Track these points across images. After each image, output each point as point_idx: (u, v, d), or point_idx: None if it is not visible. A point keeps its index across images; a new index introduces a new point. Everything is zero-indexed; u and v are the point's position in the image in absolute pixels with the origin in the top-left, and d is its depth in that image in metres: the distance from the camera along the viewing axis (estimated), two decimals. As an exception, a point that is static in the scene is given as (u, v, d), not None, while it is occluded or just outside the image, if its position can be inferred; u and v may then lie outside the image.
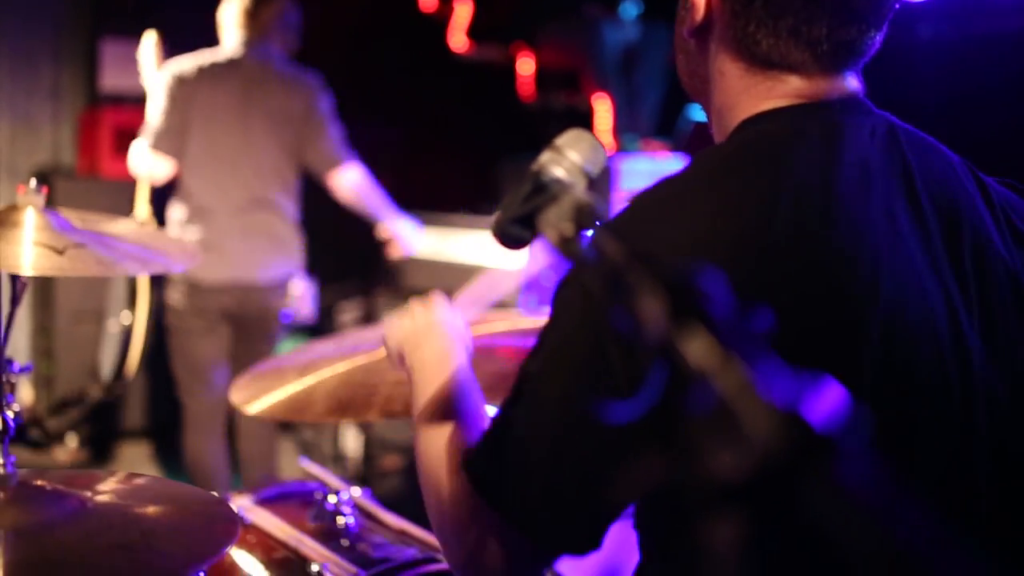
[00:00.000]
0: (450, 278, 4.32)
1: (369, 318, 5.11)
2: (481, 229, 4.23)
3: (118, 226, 2.12)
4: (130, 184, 5.52)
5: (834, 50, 1.19)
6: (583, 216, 0.86)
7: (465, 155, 6.72)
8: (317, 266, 6.38)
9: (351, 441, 4.79)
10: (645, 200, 1.16)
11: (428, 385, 1.36)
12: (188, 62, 4.00)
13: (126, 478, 1.12)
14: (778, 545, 0.58)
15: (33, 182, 1.96)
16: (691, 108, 5.46)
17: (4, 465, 1.08)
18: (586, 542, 1.08)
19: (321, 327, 5.50)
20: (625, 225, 1.13)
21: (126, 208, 4.61)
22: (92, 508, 1.07)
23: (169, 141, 3.92)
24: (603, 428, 1.01)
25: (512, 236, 0.98)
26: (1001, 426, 1.13)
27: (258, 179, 3.96)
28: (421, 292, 4.25)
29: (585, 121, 5.96)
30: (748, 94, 1.23)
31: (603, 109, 6.01)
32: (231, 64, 3.98)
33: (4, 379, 1.15)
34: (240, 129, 3.94)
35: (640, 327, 0.65)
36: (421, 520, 2.15)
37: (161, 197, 4.25)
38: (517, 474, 1.09)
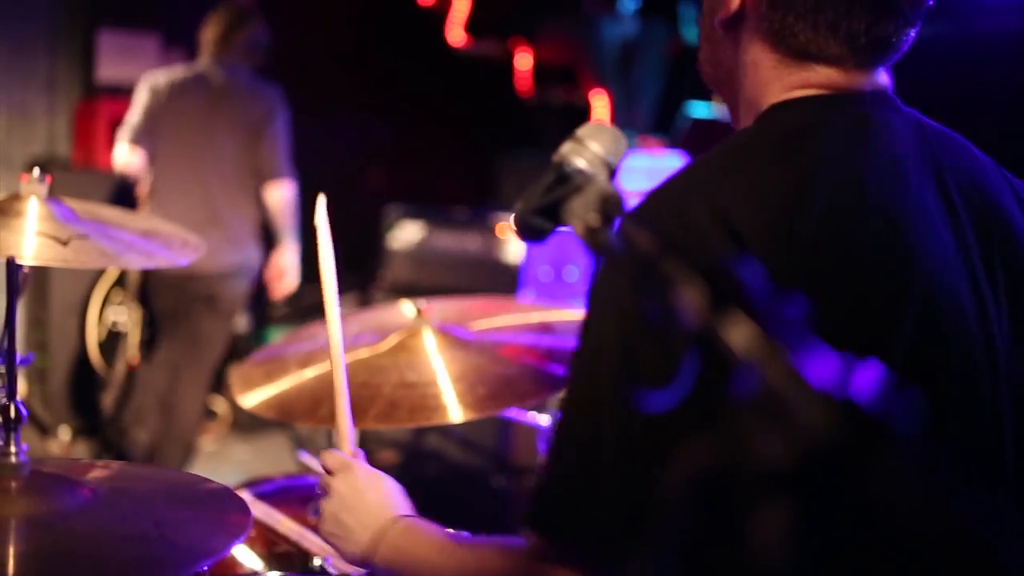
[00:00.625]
0: (444, 272, 4.32)
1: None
2: (476, 223, 4.22)
3: (120, 217, 2.10)
4: (126, 176, 5.52)
5: (872, 45, 1.18)
6: (609, 206, 0.85)
7: (463, 150, 6.71)
8: (312, 258, 6.38)
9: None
10: (674, 187, 1.15)
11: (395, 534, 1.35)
12: (163, 75, 4.50)
13: (137, 469, 1.10)
14: (833, 529, 0.58)
15: (36, 171, 1.95)
16: (689, 104, 5.46)
17: (16, 454, 1.07)
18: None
19: (316, 320, 5.49)
20: (654, 212, 1.12)
21: (122, 200, 4.59)
22: (104, 498, 1.06)
23: (141, 138, 4.41)
24: (658, 432, 0.98)
25: (534, 227, 0.97)
26: None
27: (220, 181, 4.39)
28: (414, 287, 4.24)
29: (583, 117, 5.95)
30: (780, 83, 1.22)
31: (601, 105, 6.00)
32: (199, 78, 4.44)
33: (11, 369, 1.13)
34: (205, 136, 4.39)
35: (675, 316, 0.64)
36: (419, 513, 2.14)
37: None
38: (596, 503, 1.07)
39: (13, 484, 1.05)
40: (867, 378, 0.50)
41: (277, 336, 5.68)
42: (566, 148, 1.04)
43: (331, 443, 4.97)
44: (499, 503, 3.73)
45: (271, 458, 5.26)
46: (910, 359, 1.07)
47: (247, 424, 5.64)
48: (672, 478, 0.50)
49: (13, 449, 1.07)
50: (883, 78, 1.24)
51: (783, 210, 1.10)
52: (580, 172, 0.96)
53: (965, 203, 1.18)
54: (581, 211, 0.87)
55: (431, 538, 1.34)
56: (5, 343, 1.11)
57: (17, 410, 1.07)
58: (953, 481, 0.44)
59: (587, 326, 1.12)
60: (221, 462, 5.24)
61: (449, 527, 1.89)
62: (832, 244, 1.09)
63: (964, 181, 1.20)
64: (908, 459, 0.44)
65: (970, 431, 1.11)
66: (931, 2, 1.21)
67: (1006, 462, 1.13)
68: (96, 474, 1.14)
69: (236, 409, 5.72)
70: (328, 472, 1.49)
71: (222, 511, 1.09)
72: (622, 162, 1.08)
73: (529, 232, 0.99)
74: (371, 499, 1.42)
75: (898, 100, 1.24)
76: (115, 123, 5.55)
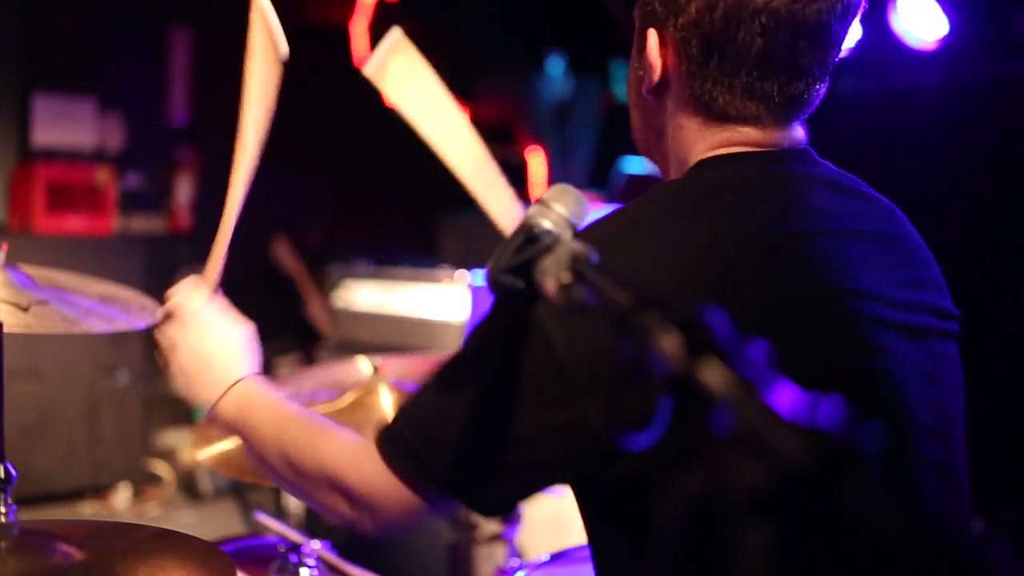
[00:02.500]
0: (390, 330, 4.36)
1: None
2: (420, 281, 4.27)
3: (76, 282, 2.12)
4: (65, 240, 5.48)
5: (785, 103, 1.29)
6: (579, 263, 0.92)
7: (403, 208, 6.77)
8: (255, 320, 6.36)
9: (293, 498, 4.75)
10: (595, 233, 1.21)
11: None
12: None
13: (127, 528, 1.13)
14: (811, 546, 0.64)
15: (-7, 239, 1.97)
16: (623, 160, 5.60)
17: (6, 514, 1.10)
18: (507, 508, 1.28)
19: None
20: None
21: (61, 264, 4.55)
22: (91, 556, 1.09)
23: None
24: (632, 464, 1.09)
25: (505, 285, 1.04)
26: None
27: None
28: (360, 346, 4.26)
29: (520, 174, 6.07)
30: (705, 143, 1.31)
31: (537, 162, 6.12)
32: None
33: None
34: None
35: (649, 363, 0.71)
36: (380, 570, 2.16)
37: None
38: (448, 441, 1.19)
39: (2, 544, 1.08)
40: (830, 409, 0.58)
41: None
42: (533, 211, 1.11)
43: (279, 507, 4.91)
44: (451, 557, 3.75)
45: (217, 522, 5.20)
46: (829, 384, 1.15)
47: (191, 489, 5.58)
48: (665, 506, 0.56)
49: (3, 509, 1.09)
50: (799, 132, 1.35)
51: (693, 263, 1.19)
52: (548, 232, 1.03)
53: (878, 248, 1.30)
54: (553, 269, 0.94)
55: (269, 403, 1.41)
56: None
57: (7, 471, 1.09)
58: (915, 495, 0.51)
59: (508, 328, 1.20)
60: (168, 527, 5.16)
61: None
62: (736, 294, 1.18)
63: (875, 229, 1.32)
64: (873, 478, 0.51)
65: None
66: (838, 60, 1.32)
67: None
68: (84, 531, 1.16)
69: (179, 474, 5.66)
70: (180, 303, 1.57)
71: (206, 566, 1.13)
72: (582, 222, 1.15)
73: (501, 290, 1.06)
74: (220, 352, 1.50)
75: (814, 153, 1.35)
76: (52, 187, 5.53)
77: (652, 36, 1.31)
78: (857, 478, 0.51)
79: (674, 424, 0.69)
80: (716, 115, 1.30)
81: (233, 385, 1.45)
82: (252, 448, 1.41)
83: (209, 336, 1.53)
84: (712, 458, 0.58)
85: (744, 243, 1.22)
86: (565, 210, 1.11)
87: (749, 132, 1.30)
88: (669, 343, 0.68)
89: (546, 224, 1.09)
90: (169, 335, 1.54)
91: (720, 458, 0.58)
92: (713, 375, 0.64)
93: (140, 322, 2.03)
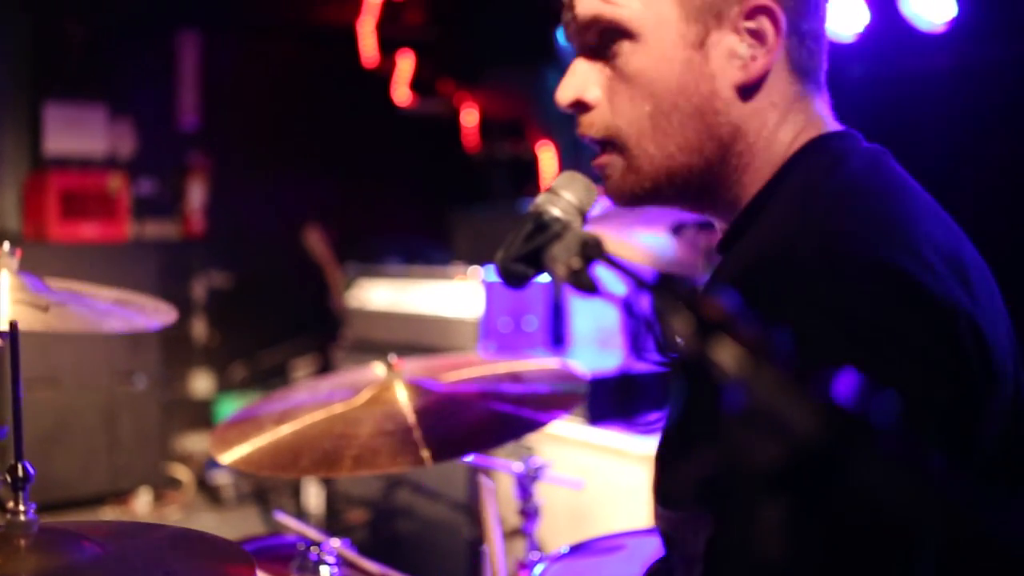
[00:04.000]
0: (404, 328, 4.36)
1: (324, 373, 5.11)
2: (432, 279, 4.27)
3: (90, 288, 2.13)
4: (79, 248, 5.50)
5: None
6: (589, 249, 0.91)
7: (415, 207, 6.78)
8: (270, 322, 6.39)
9: (313, 498, 4.77)
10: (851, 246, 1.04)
11: None
12: None
13: (142, 526, 1.13)
14: (829, 520, 0.64)
15: (6, 244, 1.98)
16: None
17: (24, 512, 1.10)
18: None
19: (276, 383, 5.50)
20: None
21: (76, 271, 4.57)
22: (112, 553, 1.09)
23: None
24: None
25: (516, 273, 1.03)
26: None
27: None
28: (375, 344, 4.27)
29: (531, 169, 6.06)
30: (794, 124, 1.19)
31: (548, 156, 6.12)
32: None
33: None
34: None
35: (671, 343, 0.71)
36: (400, 567, 2.17)
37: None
38: None
39: (22, 542, 1.08)
40: (845, 383, 0.57)
41: (237, 401, 5.68)
42: (542, 198, 1.11)
43: (298, 507, 4.95)
44: (471, 554, 3.75)
45: (238, 525, 5.22)
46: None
47: (211, 492, 5.61)
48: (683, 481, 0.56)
49: (22, 507, 1.10)
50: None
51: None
52: (557, 220, 1.03)
53: None
54: (563, 256, 0.94)
55: None
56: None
57: (24, 469, 1.10)
58: (933, 466, 0.50)
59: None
60: (187, 530, 5.19)
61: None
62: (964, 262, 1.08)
63: None
64: (890, 450, 0.51)
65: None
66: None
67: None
68: (104, 531, 1.17)
69: (199, 477, 5.68)
70: None
71: (227, 563, 1.13)
72: (592, 209, 1.15)
73: (511, 279, 1.05)
74: None
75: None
76: (65, 195, 5.56)
77: (775, 8, 1.15)
78: (875, 452, 0.51)
79: (687, 403, 0.69)
80: (811, 79, 1.20)
81: None
82: None
83: None
84: (726, 436, 0.58)
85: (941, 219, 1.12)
86: (574, 197, 1.11)
87: (820, 106, 1.22)
88: (681, 322, 0.68)
89: (555, 211, 1.09)
90: None
91: (732, 435, 0.57)
92: (725, 353, 0.64)
93: (156, 323, 2.04)
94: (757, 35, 1.15)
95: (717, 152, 1.18)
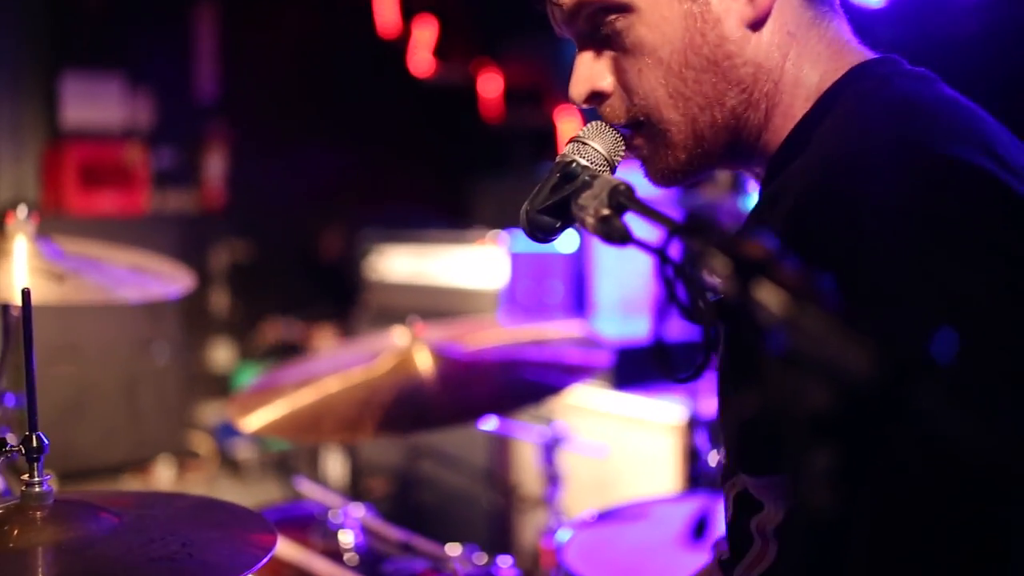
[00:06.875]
0: (425, 297, 4.33)
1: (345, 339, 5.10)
2: (453, 246, 4.23)
3: (106, 253, 2.10)
4: (98, 220, 5.50)
5: None
6: (620, 195, 0.87)
7: (435, 176, 6.73)
8: (292, 290, 6.38)
9: (334, 467, 4.76)
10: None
11: None
12: None
13: (159, 495, 1.11)
14: (879, 464, 0.60)
15: (23, 209, 1.95)
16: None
17: (40, 483, 1.08)
18: None
19: (297, 350, 5.49)
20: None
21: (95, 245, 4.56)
22: (130, 523, 1.06)
23: None
24: None
25: (542, 226, 1.00)
26: None
27: None
28: (396, 312, 4.25)
29: (551, 137, 6.00)
30: (823, 44, 1.13)
31: (568, 124, 6.05)
32: None
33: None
34: None
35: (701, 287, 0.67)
36: (421, 533, 2.14)
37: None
38: None
39: (38, 514, 1.06)
40: (898, 320, 0.53)
41: (257, 371, 5.67)
42: (569, 148, 1.07)
43: (318, 473, 4.95)
44: (494, 522, 3.73)
45: (260, 492, 5.23)
46: None
47: (231, 462, 5.62)
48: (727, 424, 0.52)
49: (37, 479, 1.07)
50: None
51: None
52: (585, 168, 0.99)
53: None
54: (592, 204, 0.89)
55: None
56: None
57: (39, 440, 1.07)
58: (989, 406, 0.46)
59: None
60: (210, 500, 5.21)
61: (445, 545, 1.90)
62: None
63: None
64: (945, 389, 0.47)
65: None
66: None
67: None
68: (120, 501, 1.14)
69: (220, 448, 5.69)
70: None
71: (248, 531, 1.10)
72: (620, 158, 1.11)
73: (537, 231, 1.01)
74: None
75: None
76: (83, 166, 5.55)
77: None
78: (931, 388, 0.47)
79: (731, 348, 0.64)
80: (819, 6, 1.13)
81: None
82: None
83: None
84: (771, 379, 0.54)
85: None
86: (602, 146, 1.07)
87: (844, 31, 1.15)
88: (720, 265, 0.64)
89: (582, 161, 1.05)
90: None
91: (777, 378, 0.53)
92: (768, 294, 0.59)
93: (173, 290, 2.01)
94: None
95: (742, 98, 1.12)
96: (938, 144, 0.94)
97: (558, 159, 1.05)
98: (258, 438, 5.32)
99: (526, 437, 2.48)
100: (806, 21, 1.13)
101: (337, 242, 6.29)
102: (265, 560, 1.03)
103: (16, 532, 1.03)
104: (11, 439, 1.09)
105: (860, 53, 1.15)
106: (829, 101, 1.11)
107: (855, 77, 1.11)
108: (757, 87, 1.12)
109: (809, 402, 0.52)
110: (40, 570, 0.99)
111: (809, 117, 1.11)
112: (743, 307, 0.60)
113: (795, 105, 1.12)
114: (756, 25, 1.11)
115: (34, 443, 1.06)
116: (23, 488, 1.08)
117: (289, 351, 5.55)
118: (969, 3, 3.76)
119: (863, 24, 1.22)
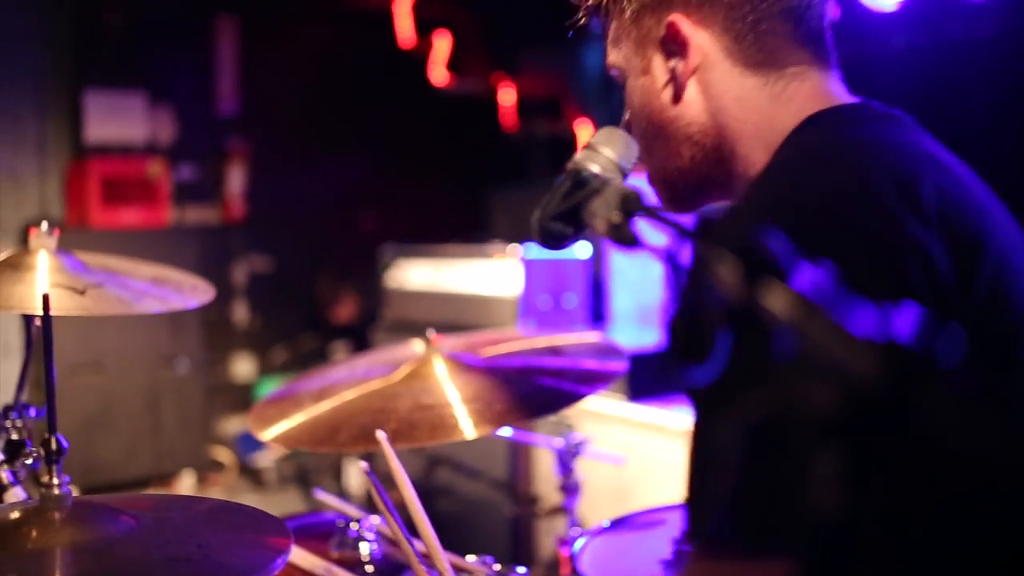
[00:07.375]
0: (443, 308, 4.35)
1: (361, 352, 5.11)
2: (472, 258, 4.25)
3: (127, 266, 2.13)
4: (121, 234, 5.55)
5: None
6: (630, 203, 0.88)
7: (453, 187, 6.76)
8: (311, 302, 6.42)
9: (355, 478, 4.78)
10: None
11: None
12: None
13: (175, 498, 1.13)
14: (886, 465, 0.60)
15: (45, 225, 1.98)
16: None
17: (58, 486, 1.09)
18: None
19: (315, 362, 5.52)
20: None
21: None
22: (147, 525, 1.08)
23: None
24: None
25: (554, 232, 1.01)
26: None
27: None
28: (414, 324, 4.26)
29: (569, 148, 6.01)
30: (779, 102, 1.21)
31: (586, 134, 6.07)
32: None
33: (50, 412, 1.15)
34: None
35: (716, 292, 0.68)
36: (441, 544, 2.15)
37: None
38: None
39: (57, 515, 1.07)
40: (906, 320, 0.54)
41: (277, 383, 5.70)
42: (580, 155, 1.08)
43: (339, 485, 4.95)
44: (512, 532, 3.74)
45: (280, 503, 5.25)
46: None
47: (253, 474, 5.65)
48: (730, 430, 0.53)
49: (56, 481, 1.09)
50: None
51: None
52: (596, 176, 1.00)
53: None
54: (603, 211, 0.91)
55: None
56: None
57: (58, 443, 1.09)
58: (997, 406, 0.47)
59: None
60: (230, 512, 5.24)
61: (464, 556, 1.91)
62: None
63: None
64: (953, 389, 0.48)
65: None
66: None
67: None
68: (137, 504, 1.16)
69: (240, 459, 5.72)
70: None
71: (263, 533, 1.11)
72: (633, 166, 1.12)
73: (549, 238, 1.03)
74: None
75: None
76: (107, 182, 5.61)
77: (681, 21, 1.22)
78: (937, 390, 0.47)
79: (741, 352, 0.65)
80: (776, 66, 1.21)
81: None
82: None
83: None
84: (778, 382, 0.55)
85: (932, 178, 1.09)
86: (613, 153, 1.08)
87: (812, 77, 1.22)
88: (727, 269, 0.65)
89: (594, 168, 1.06)
90: None
91: (785, 381, 0.54)
92: (775, 298, 0.60)
93: (193, 302, 2.03)
94: (675, 49, 1.23)
95: (695, 151, 1.26)
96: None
97: (569, 166, 1.06)
98: (280, 450, 5.34)
99: (543, 446, 2.48)
100: (754, 83, 1.22)
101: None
102: (281, 563, 1.04)
103: (35, 533, 1.05)
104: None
105: (832, 100, 1.21)
106: (781, 149, 1.19)
107: (806, 125, 1.18)
108: (708, 141, 1.25)
109: (817, 404, 0.52)
110: (58, 571, 1.01)
111: (768, 163, 1.20)
112: (751, 311, 0.61)
113: (756, 150, 1.22)
114: (677, 99, 1.25)
115: (53, 445, 1.08)
116: (42, 490, 1.10)
117: (310, 361, 5.58)
118: (982, 7, 3.75)
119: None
